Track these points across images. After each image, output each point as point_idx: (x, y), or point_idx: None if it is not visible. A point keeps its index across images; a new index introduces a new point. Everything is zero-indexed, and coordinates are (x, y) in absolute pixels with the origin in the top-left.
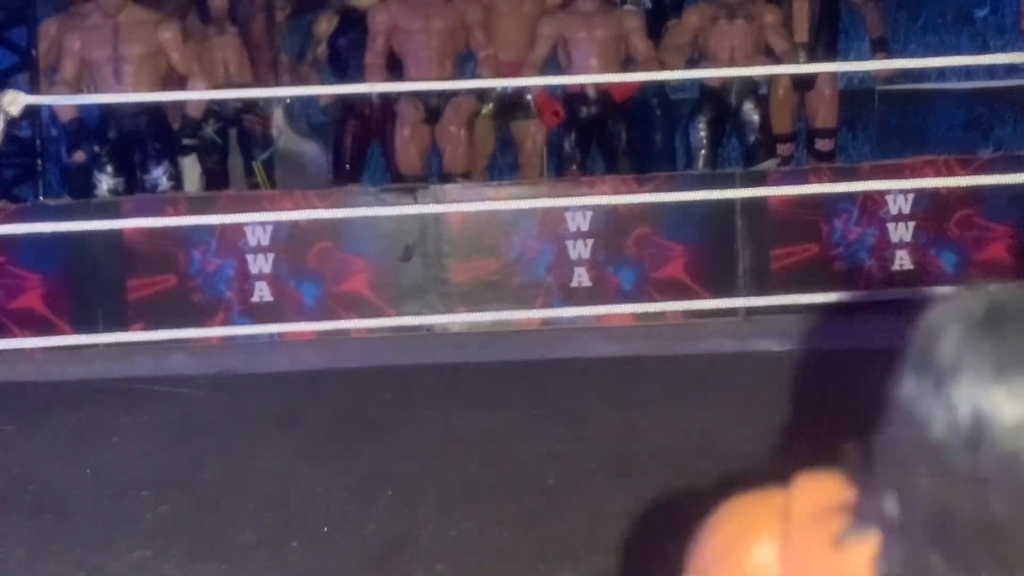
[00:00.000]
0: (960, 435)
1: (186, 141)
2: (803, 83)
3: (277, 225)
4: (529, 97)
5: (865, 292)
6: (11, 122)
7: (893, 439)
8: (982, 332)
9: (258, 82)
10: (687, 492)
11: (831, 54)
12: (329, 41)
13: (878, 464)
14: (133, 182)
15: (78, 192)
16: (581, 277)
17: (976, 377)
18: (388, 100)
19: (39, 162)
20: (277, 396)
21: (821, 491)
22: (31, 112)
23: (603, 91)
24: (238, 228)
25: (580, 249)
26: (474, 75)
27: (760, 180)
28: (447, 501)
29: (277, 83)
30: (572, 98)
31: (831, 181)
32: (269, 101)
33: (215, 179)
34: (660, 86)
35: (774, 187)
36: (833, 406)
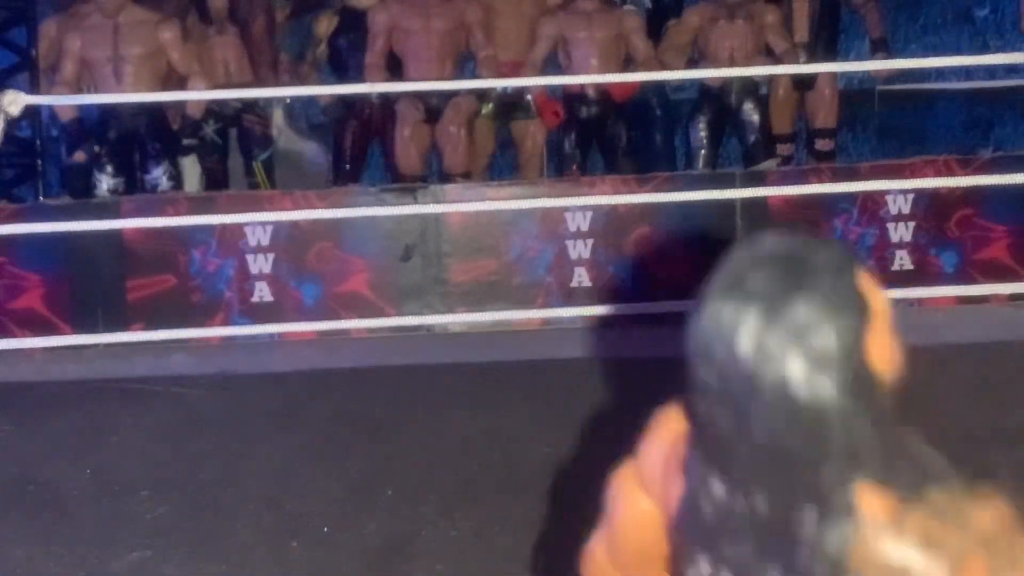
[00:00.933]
0: (697, 346)
1: (186, 141)
2: (803, 83)
3: (277, 225)
4: (529, 97)
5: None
6: (11, 122)
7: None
8: (753, 267)
9: (258, 82)
10: None
11: (831, 54)
12: (329, 41)
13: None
14: (133, 182)
15: (78, 192)
16: (581, 277)
17: (722, 298)
18: (388, 100)
19: (39, 162)
20: (277, 396)
21: None
22: (31, 112)
23: (603, 91)
24: (238, 228)
25: (580, 249)
26: (474, 75)
27: (760, 180)
28: (447, 501)
29: (277, 83)
30: (572, 98)
31: (831, 181)
32: (269, 101)
33: (215, 179)
34: (660, 86)
35: (774, 187)
36: None
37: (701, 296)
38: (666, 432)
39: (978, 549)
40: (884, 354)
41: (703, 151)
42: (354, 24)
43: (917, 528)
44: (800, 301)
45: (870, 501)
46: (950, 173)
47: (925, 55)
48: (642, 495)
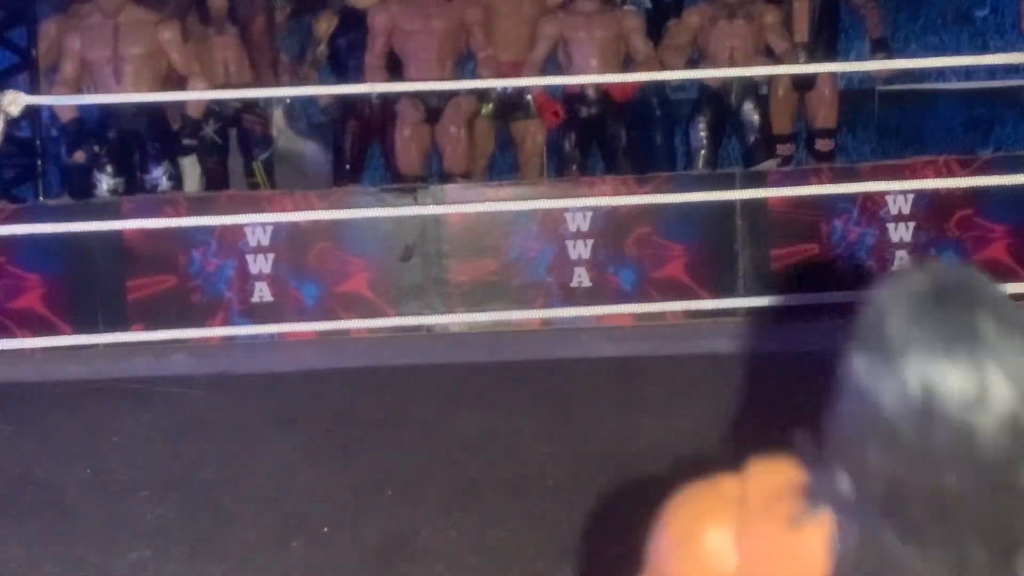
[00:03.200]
0: (910, 409)
1: (186, 141)
2: (803, 83)
3: (277, 225)
4: (529, 97)
5: (865, 292)
6: (11, 122)
7: (844, 417)
8: (929, 309)
9: (258, 82)
10: None
11: (831, 54)
12: (329, 41)
13: (830, 443)
14: (133, 182)
15: (78, 192)
16: (581, 277)
17: (925, 352)
18: (388, 100)
19: (39, 162)
20: (277, 396)
21: (774, 475)
22: (31, 112)
23: (603, 91)
24: (238, 228)
25: (580, 249)
26: (474, 75)
27: (760, 180)
28: (447, 501)
29: (277, 83)
30: (572, 98)
31: (831, 181)
32: (269, 101)
33: (215, 179)
34: (660, 86)
35: (774, 187)
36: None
37: (883, 354)
38: (709, 531)
39: None
40: None
41: (703, 151)
42: (354, 24)
43: None
44: (1015, 336)
45: None
46: (950, 173)
47: (925, 55)
48: None
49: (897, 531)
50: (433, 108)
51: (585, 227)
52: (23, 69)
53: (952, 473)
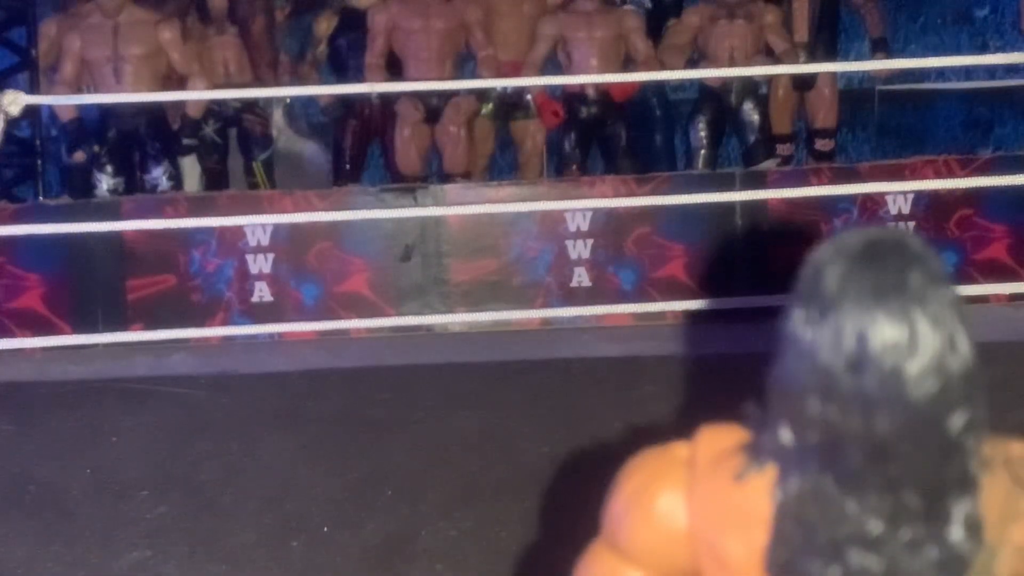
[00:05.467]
0: (845, 358)
1: (186, 141)
2: (803, 83)
3: (277, 225)
4: (529, 97)
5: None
6: (11, 122)
7: (784, 370)
8: (862, 264)
9: (258, 82)
10: None
11: (831, 54)
12: (329, 41)
13: (771, 397)
14: (133, 182)
15: (78, 192)
16: (581, 277)
17: (858, 303)
18: (388, 100)
19: (39, 162)
20: (277, 396)
21: (723, 437)
22: (31, 112)
23: (603, 91)
24: (238, 228)
25: (580, 249)
26: (474, 75)
27: (760, 180)
28: (447, 501)
29: (277, 83)
30: (572, 98)
31: (831, 181)
32: (269, 101)
33: (215, 179)
34: (660, 86)
35: (774, 188)
36: None
37: (820, 307)
38: (660, 492)
39: None
40: None
41: (703, 151)
42: (354, 24)
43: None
44: (940, 289)
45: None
46: (950, 173)
47: (925, 55)
48: (630, 569)
49: (835, 479)
50: (433, 108)
51: (585, 227)
52: (23, 69)
53: (884, 418)
